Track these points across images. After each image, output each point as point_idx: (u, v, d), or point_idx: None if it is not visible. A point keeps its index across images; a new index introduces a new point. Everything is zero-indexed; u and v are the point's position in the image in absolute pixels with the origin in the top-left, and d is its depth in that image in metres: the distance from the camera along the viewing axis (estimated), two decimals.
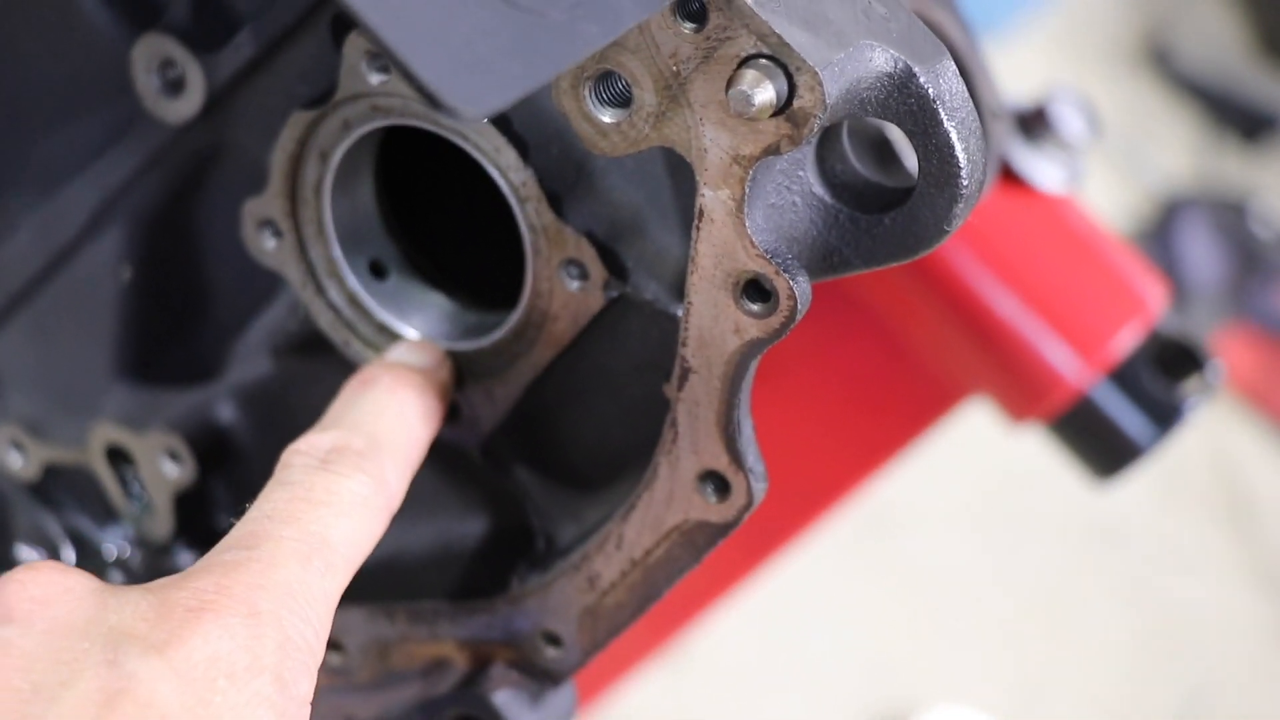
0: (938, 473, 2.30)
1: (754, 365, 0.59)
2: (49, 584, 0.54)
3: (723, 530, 0.61)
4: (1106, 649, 2.33)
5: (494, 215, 0.68)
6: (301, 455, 0.61)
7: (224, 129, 0.69)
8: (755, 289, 0.57)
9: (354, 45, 0.62)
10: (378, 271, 0.70)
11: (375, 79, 0.63)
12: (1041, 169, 1.03)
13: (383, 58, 0.62)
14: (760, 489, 0.60)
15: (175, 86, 0.68)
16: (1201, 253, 2.79)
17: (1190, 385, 1.04)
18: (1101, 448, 1.05)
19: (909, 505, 2.32)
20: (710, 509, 0.61)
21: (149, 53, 0.68)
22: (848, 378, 1.10)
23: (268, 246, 0.69)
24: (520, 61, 0.45)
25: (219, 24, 0.67)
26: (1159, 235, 2.82)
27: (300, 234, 0.68)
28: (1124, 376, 1.03)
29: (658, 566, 0.63)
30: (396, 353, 0.67)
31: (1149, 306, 1.04)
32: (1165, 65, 3.20)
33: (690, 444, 0.60)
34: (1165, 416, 1.03)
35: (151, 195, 0.72)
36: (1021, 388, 1.03)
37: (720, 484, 0.61)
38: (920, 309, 1.04)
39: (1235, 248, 2.81)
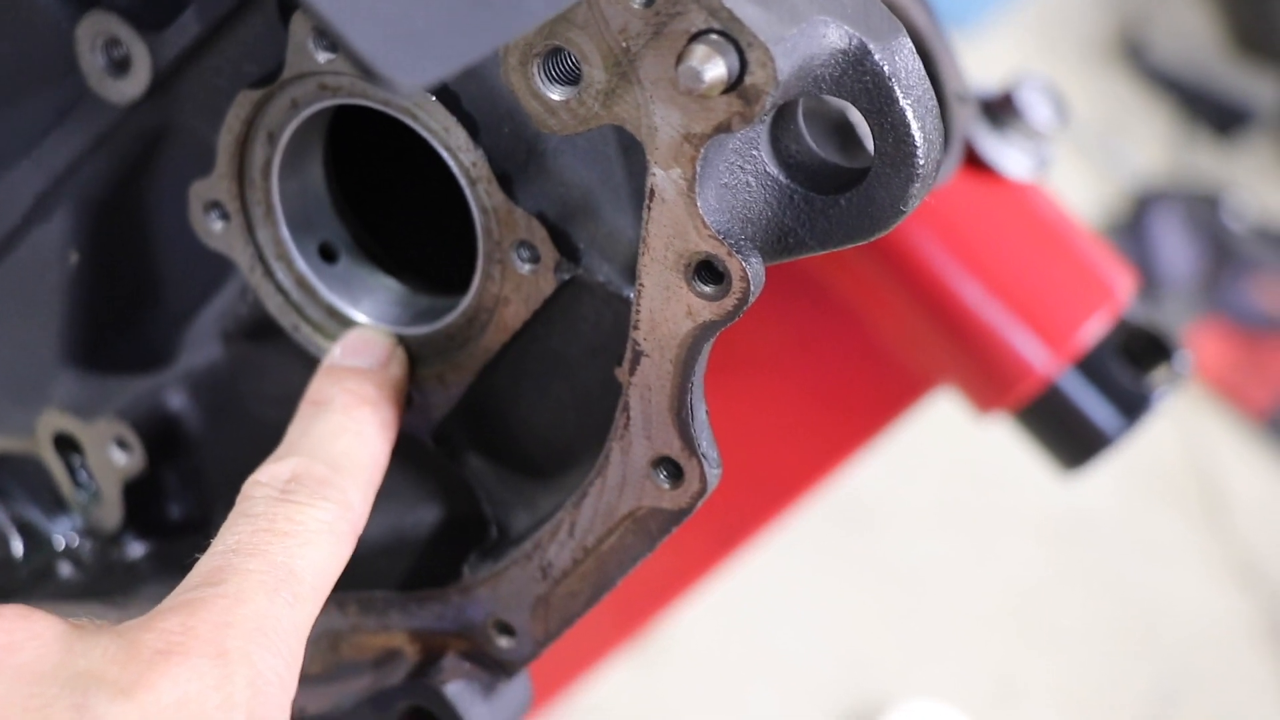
0: (911, 467, 2.29)
1: (707, 348, 0.57)
2: (14, 629, 0.53)
3: (676, 517, 0.60)
4: (1079, 643, 2.33)
5: (445, 197, 0.67)
6: (263, 486, 0.60)
7: (171, 109, 0.68)
8: (707, 270, 0.56)
9: (301, 23, 0.61)
10: (327, 254, 0.68)
11: (322, 57, 0.61)
12: (1008, 156, 1.02)
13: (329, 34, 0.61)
14: (714, 475, 0.59)
15: (120, 66, 0.67)
16: (1175, 246, 2.80)
17: (1158, 375, 1.03)
18: (1069, 438, 1.04)
19: (883, 499, 2.31)
20: (663, 495, 0.60)
21: (93, 31, 0.66)
22: (814, 367, 1.09)
23: (215, 229, 0.67)
24: (460, 34, 0.44)
25: (165, 2, 0.66)
26: (1133, 229, 2.82)
27: (248, 216, 0.67)
28: (1091, 366, 1.02)
29: (610, 554, 0.62)
30: (346, 352, 0.66)
31: (1116, 295, 1.03)
32: (1139, 59, 3.21)
33: (643, 429, 0.59)
34: (1133, 406, 1.03)
35: (98, 177, 0.71)
36: (988, 377, 1.02)
37: (673, 470, 0.59)
38: (886, 297, 1.03)
39: (1208, 241, 2.82)
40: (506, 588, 0.65)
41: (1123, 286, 1.03)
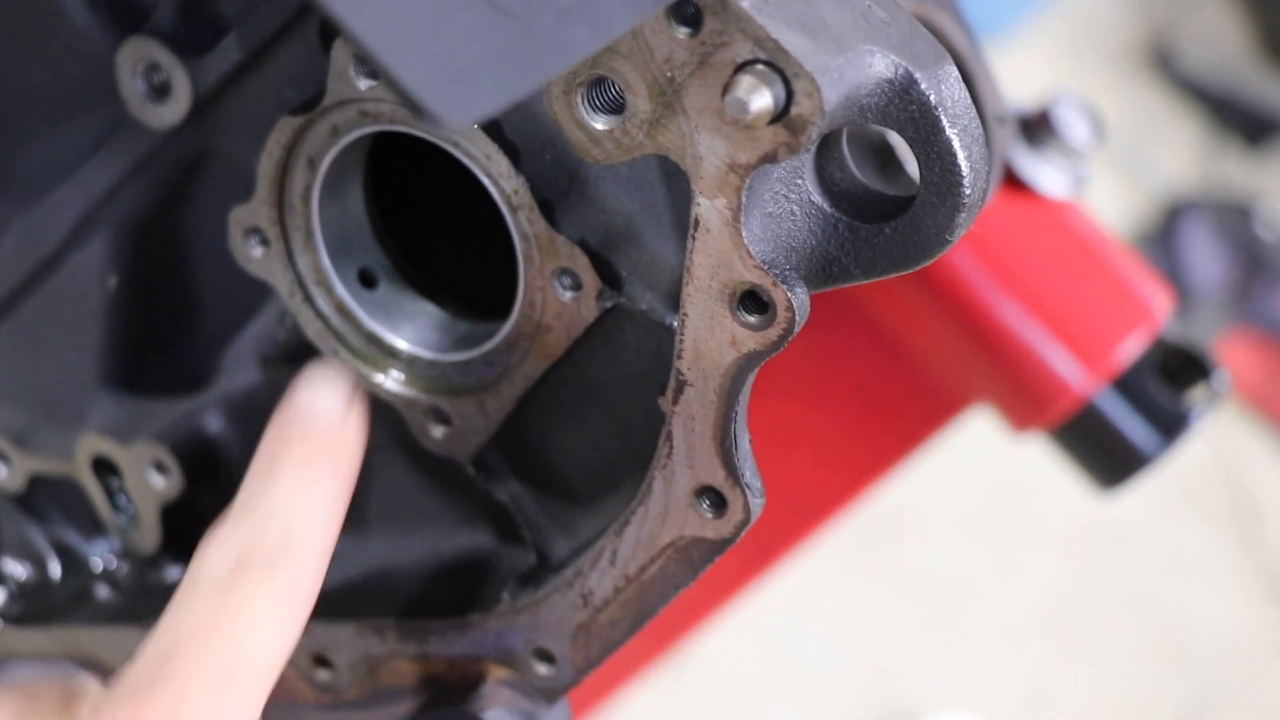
0: (941, 478, 2.28)
1: (751, 378, 0.57)
2: None
3: (719, 547, 0.60)
4: (1109, 655, 2.32)
5: (486, 223, 0.67)
6: (213, 562, 0.58)
7: (211, 135, 0.68)
8: (752, 300, 0.55)
9: (342, 50, 0.61)
10: (367, 280, 0.68)
11: (364, 84, 0.61)
12: (1045, 174, 1.01)
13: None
14: (758, 505, 0.59)
15: (161, 91, 0.67)
16: (1205, 256, 2.78)
17: (1196, 394, 1.02)
18: (1106, 457, 1.03)
19: (912, 511, 2.30)
20: (706, 525, 0.59)
21: (134, 57, 0.66)
22: (850, 386, 1.09)
23: (255, 255, 0.67)
24: (507, 68, 0.43)
25: (205, 28, 0.66)
26: (1163, 239, 2.81)
27: (288, 242, 0.67)
28: (1129, 385, 1.01)
29: (652, 583, 0.62)
30: (304, 395, 0.63)
31: (1154, 314, 1.02)
32: (1169, 68, 3.19)
33: (686, 459, 0.59)
34: (1171, 425, 1.02)
35: (137, 202, 0.71)
36: (1025, 396, 1.02)
37: (717, 499, 0.59)
38: (922, 316, 1.02)
39: (1239, 251, 2.80)
40: (547, 615, 0.64)
41: (1160, 305, 1.03)
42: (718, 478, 0.58)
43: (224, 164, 0.69)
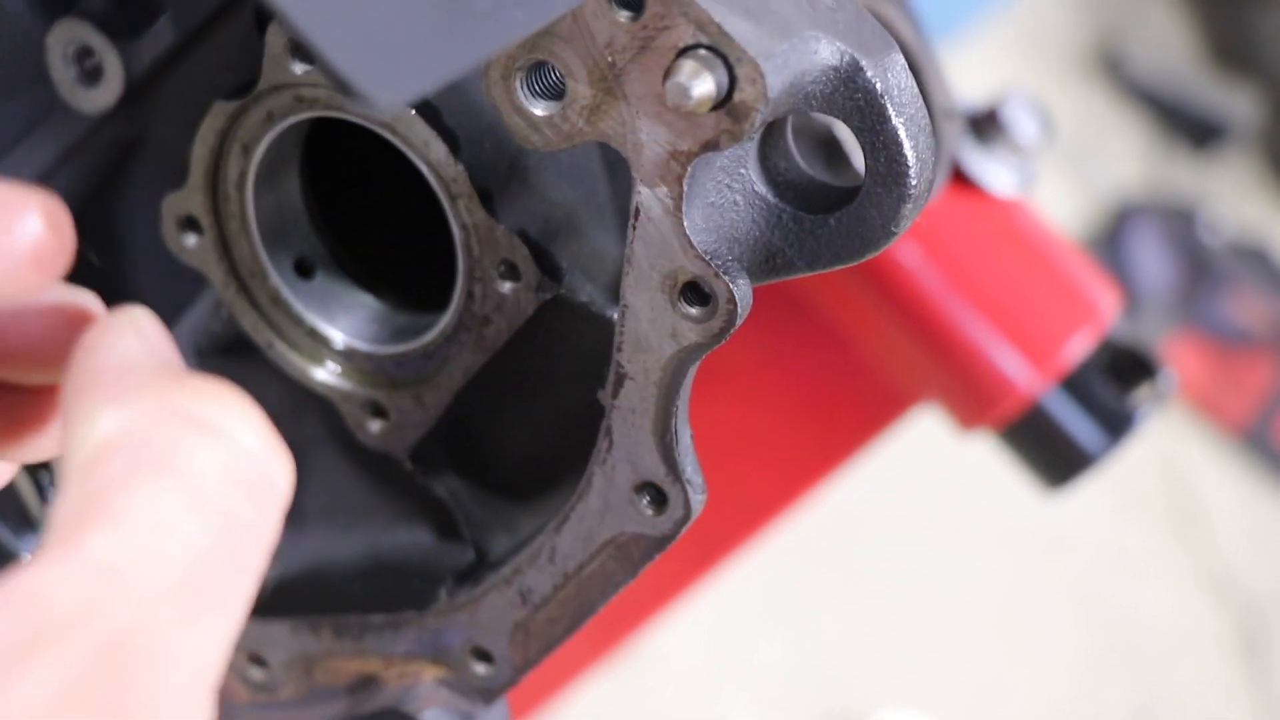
0: (888, 478, 2.28)
1: (692, 371, 0.56)
2: None
3: (659, 544, 0.59)
4: (1057, 656, 2.33)
5: (424, 213, 0.66)
6: None
7: (144, 120, 0.66)
8: (694, 291, 0.54)
9: (276, 33, 0.60)
10: (303, 270, 0.67)
11: (299, 69, 0.60)
12: (993, 172, 1.01)
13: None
14: (699, 501, 0.58)
15: (92, 75, 0.65)
16: (1151, 259, 2.80)
17: (1142, 394, 1.02)
18: (1052, 456, 1.03)
19: (860, 511, 2.30)
20: (646, 521, 0.58)
21: (65, 39, 0.65)
22: (795, 383, 1.08)
23: (188, 244, 0.66)
24: (441, 48, 0.42)
25: (138, 10, 0.64)
26: (1110, 242, 2.82)
27: (222, 231, 0.65)
28: (1075, 384, 1.01)
29: (592, 580, 0.61)
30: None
31: (1101, 313, 1.02)
32: (1117, 73, 3.21)
33: (626, 453, 0.58)
34: (1117, 425, 1.02)
35: (69, 189, 0.69)
36: (972, 395, 1.01)
37: (657, 495, 0.58)
38: (869, 313, 1.02)
39: (1184, 255, 2.82)
40: (485, 613, 0.63)
41: (1107, 305, 1.03)
42: (658, 473, 0.57)
43: (157, 150, 0.67)
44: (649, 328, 0.55)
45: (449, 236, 0.61)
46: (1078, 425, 1.02)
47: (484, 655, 0.64)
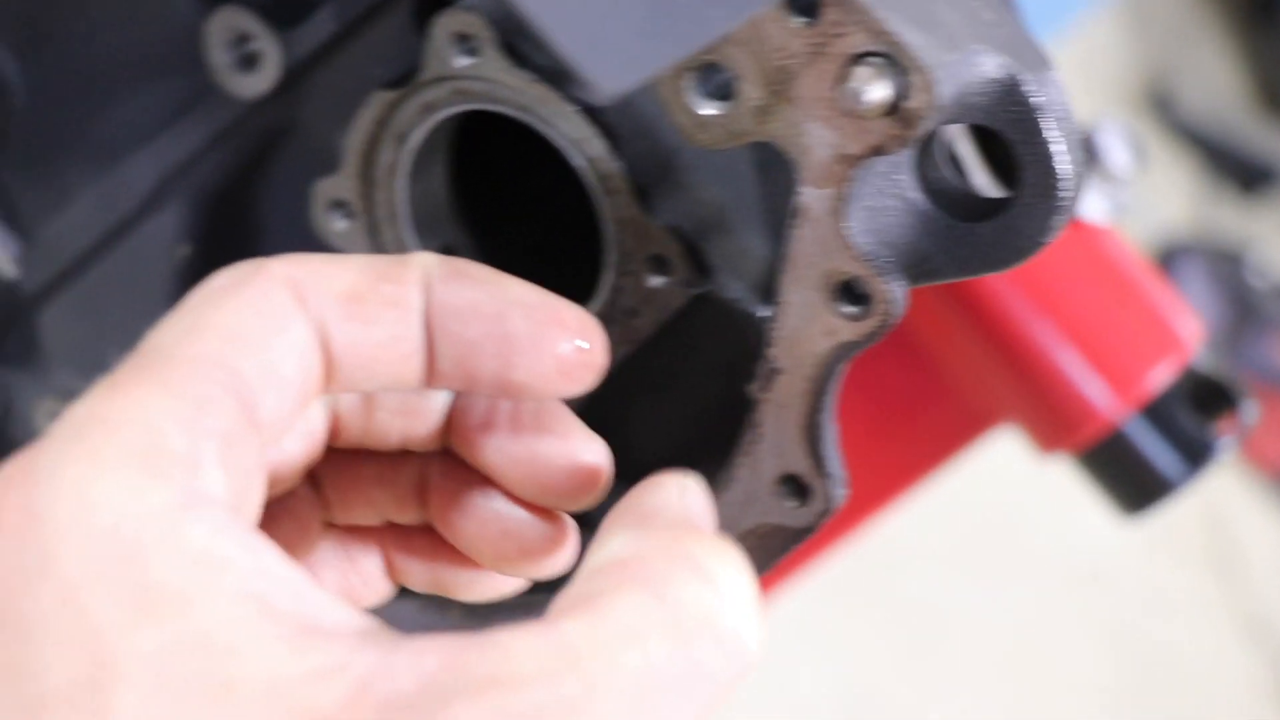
0: (928, 509, 2.29)
1: (842, 369, 0.58)
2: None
3: (798, 535, 0.60)
4: (1090, 691, 2.33)
5: (565, 206, 0.67)
6: None
7: (295, 107, 0.68)
8: (850, 292, 0.56)
9: (442, 26, 0.61)
10: None
11: (462, 62, 0.62)
12: (1086, 199, 1.02)
13: (471, 40, 0.61)
14: (840, 495, 0.59)
15: (250, 62, 0.67)
16: (1198, 300, 2.80)
17: (1224, 424, 1.04)
18: (1132, 483, 1.04)
19: (897, 540, 2.31)
20: (788, 513, 0.60)
21: (225, 26, 0.67)
22: (876, 398, 1.09)
23: (338, 228, 0.67)
24: (651, 40, 0.44)
25: (300, 0, 0.66)
26: None
27: (372, 216, 0.67)
28: (1157, 412, 1.02)
29: None
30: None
31: (1185, 343, 1.03)
32: (1166, 111, 3.22)
33: (772, 446, 0.59)
34: (1197, 454, 1.03)
35: (215, 172, 0.71)
36: (1054, 419, 1.03)
37: (799, 488, 0.59)
38: (955, 332, 1.03)
39: (1231, 297, 2.83)
40: None
41: (1191, 334, 1.04)
42: (803, 466, 0.59)
43: (305, 137, 0.69)
44: (803, 325, 0.57)
45: (593, 229, 0.63)
46: (1158, 453, 1.03)
47: None
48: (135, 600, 0.38)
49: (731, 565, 0.46)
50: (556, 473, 0.55)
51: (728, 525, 0.61)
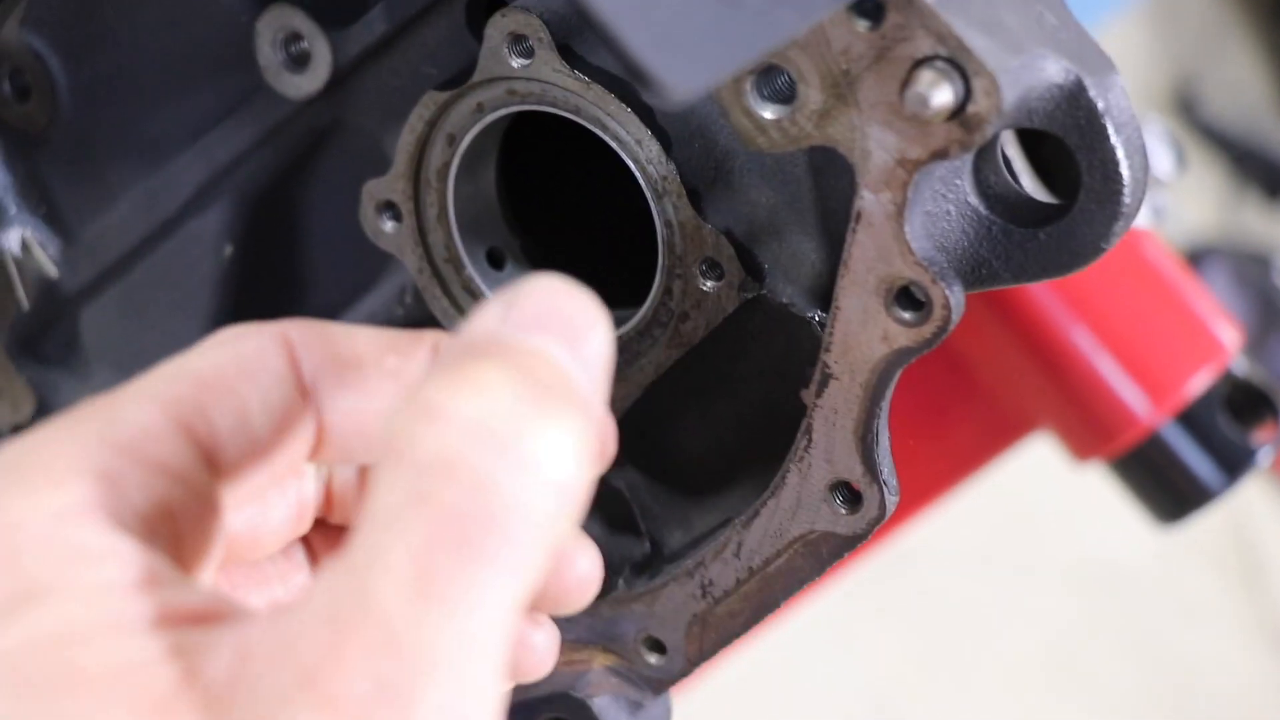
0: (950, 512, 2.28)
1: (897, 375, 0.57)
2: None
3: (850, 542, 0.60)
4: (1112, 698, 2.32)
5: (614, 209, 0.67)
6: None
7: (343, 107, 0.68)
8: (907, 297, 0.55)
9: (498, 27, 0.61)
10: (495, 261, 0.68)
11: (517, 63, 0.61)
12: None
13: (526, 41, 0.61)
14: (893, 502, 0.59)
15: (299, 61, 0.67)
16: (1224, 302, 2.79)
17: (1263, 430, 1.03)
18: (1169, 491, 1.03)
19: (924, 544, 2.30)
20: (839, 520, 0.59)
21: (275, 25, 0.67)
22: (913, 403, 1.09)
23: (386, 229, 0.67)
24: (720, 44, 0.44)
25: (350, 0, 0.66)
26: None
27: (420, 218, 0.66)
28: (1194, 418, 1.02)
29: (777, 576, 0.62)
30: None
31: (1223, 348, 1.03)
32: (1191, 114, 3.21)
33: (824, 452, 0.59)
34: (1235, 461, 1.02)
35: (262, 171, 0.71)
36: (1090, 425, 1.02)
37: (851, 495, 0.59)
38: (992, 337, 1.02)
39: (1257, 300, 2.81)
40: (663, 604, 0.64)
41: (1229, 340, 1.03)
42: (855, 473, 0.59)
43: (353, 137, 0.69)
44: (860, 330, 0.56)
45: (643, 232, 0.63)
46: (1196, 460, 1.02)
47: (657, 646, 0.65)
48: (5, 598, 0.39)
49: (470, 378, 0.39)
50: (553, 584, 0.52)
51: (776, 530, 0.61)
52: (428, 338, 0.50)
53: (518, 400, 0.39)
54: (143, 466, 0.42)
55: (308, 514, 0.54)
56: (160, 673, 0.38)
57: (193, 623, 0.39)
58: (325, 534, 0.55)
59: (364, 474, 0.54)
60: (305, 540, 0.55)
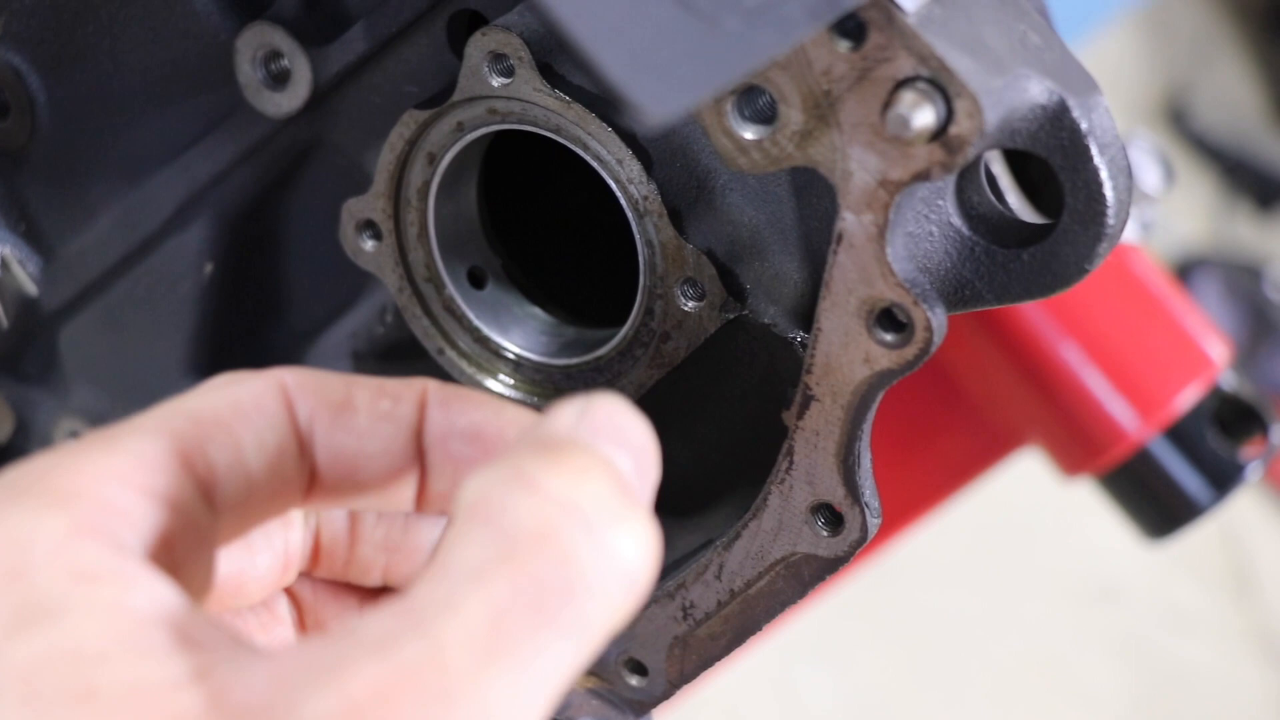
0: (945, 525, 2.28)
1: (879, 397, 0.57)
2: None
3: (831, 565, 0.59)
4: (1102, 708, 2.32)
5: (596, 228, 0.66)
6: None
7: (324, 125, 0.67)
8: (889, 319, 0.55)
9: (479, 46, 0.61)
10: (475, 280, 0.68)
11: (497, 82, 0.61)
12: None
13: (507, 60, 0.60)
14: (874, 524, 0.58)
15: (279, 79, 0.66)
16: (1215, 314, 2.79)
17: (1252, 446, 1.02)
18: (1157, 506, 1.03)
19: (914, 556, 2.30)
20: (821, 542, 0.59)
21: (255, 43, 0.66)
22: (902, 420, 1.09)
23: (366, 247, 0.67)
24: (699, 66, 0.43)
25: (330, 17, 0.65)
26: None
27: (400, 237, 0.66)
28: (1183, 434, 1.01)
29: (759, 598, 0.61)
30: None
31: (1212, 363, 1.02)
32: (1183, 125, 3.21)
33: (805, 474, 0.58)
34: (1224, 477, 1.02)
35: (242, 189, 0.70)
36: (1079, 440, 1.01)
37: (833, 517, 0.59)
38: (980, 353, 1.02)
39: (1249, 311, 2.81)
40: (644, 626, 0.64)
41: (1218, 355, 1.03)
42: (837, 495, 0.58)
43: (332, 155, 0.69)
44: (841, 352, 0.56)
45: (624, 252, 0.62)
46: (1184, 476, 1.02)
47: (639, 668, 0.65)
48: (16, 612, 0.39)
49: (566, 465, 0.42)
50: None
51: (757, 552, 0.60)
52: (418, 384, 0.50)
53: (609, 493, 0.42)
54: (144, 495, 0.43)
55: (294, 565, 0.54)
56: (183, 695, 0.38)
57: (207, 647, 0.39)
58: (312, 587, 0.56)
59: (355, 525, 0.55)
60: (289, 593, 0.55)
